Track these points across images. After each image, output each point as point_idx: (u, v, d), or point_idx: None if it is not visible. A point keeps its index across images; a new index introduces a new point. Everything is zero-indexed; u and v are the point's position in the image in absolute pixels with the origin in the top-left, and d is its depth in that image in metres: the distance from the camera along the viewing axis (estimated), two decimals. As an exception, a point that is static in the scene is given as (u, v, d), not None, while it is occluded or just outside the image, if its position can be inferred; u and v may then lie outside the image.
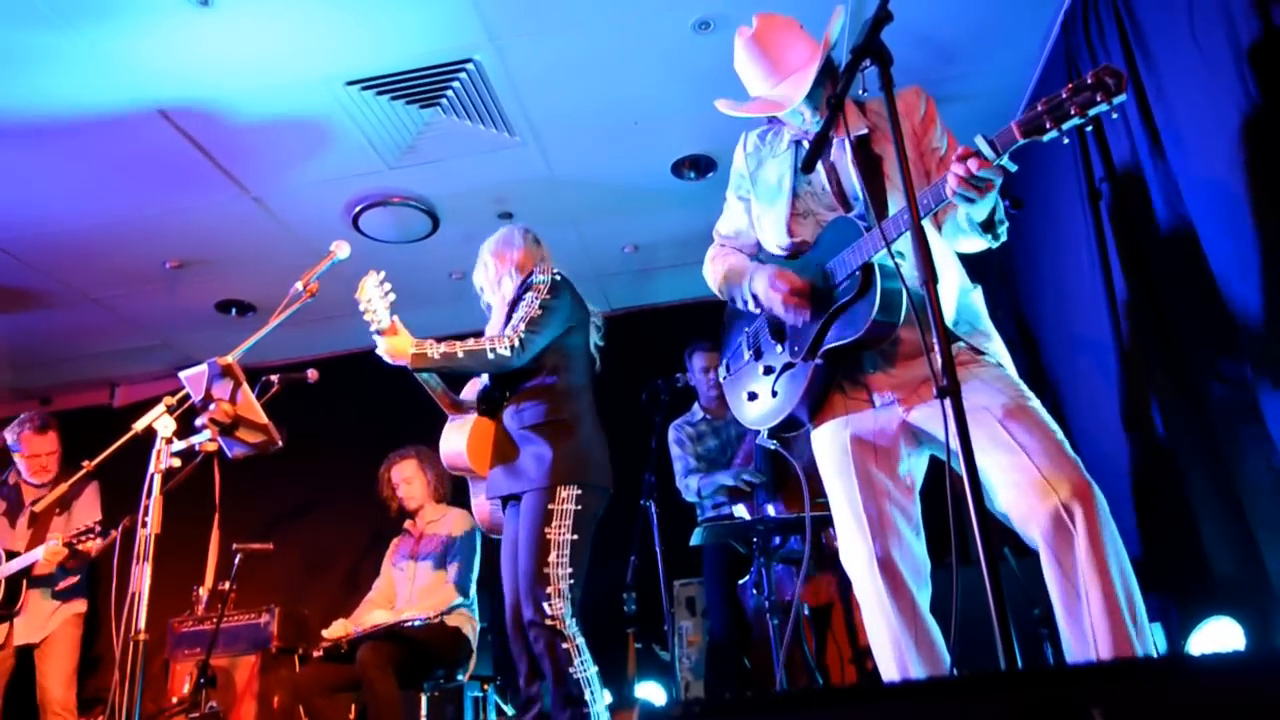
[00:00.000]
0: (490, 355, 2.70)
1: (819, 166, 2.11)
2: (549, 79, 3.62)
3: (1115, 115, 1.58)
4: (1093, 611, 1.70)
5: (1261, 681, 0.86)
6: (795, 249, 2.19)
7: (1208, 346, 2.69)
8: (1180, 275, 2.79)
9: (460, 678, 3.80)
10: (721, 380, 2.44)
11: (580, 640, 2.64)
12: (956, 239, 2.06)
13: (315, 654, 3.78)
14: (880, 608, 1.98)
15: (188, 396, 2.55)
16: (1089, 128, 1.61)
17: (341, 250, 2.80)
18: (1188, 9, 2.58)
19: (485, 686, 4.07)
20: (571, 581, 2.65)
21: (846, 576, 2.09)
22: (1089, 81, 1.55)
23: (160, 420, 2.44)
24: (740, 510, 3.75)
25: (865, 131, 2.09)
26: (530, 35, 3.38)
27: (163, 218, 4.31)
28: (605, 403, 2.97)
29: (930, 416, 1.98)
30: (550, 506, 2.66)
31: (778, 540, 3.50)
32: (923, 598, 1.99)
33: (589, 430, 2.84)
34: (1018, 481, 1.81)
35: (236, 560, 4.04)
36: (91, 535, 3.95)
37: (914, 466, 2.10)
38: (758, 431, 2.31)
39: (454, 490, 4.10)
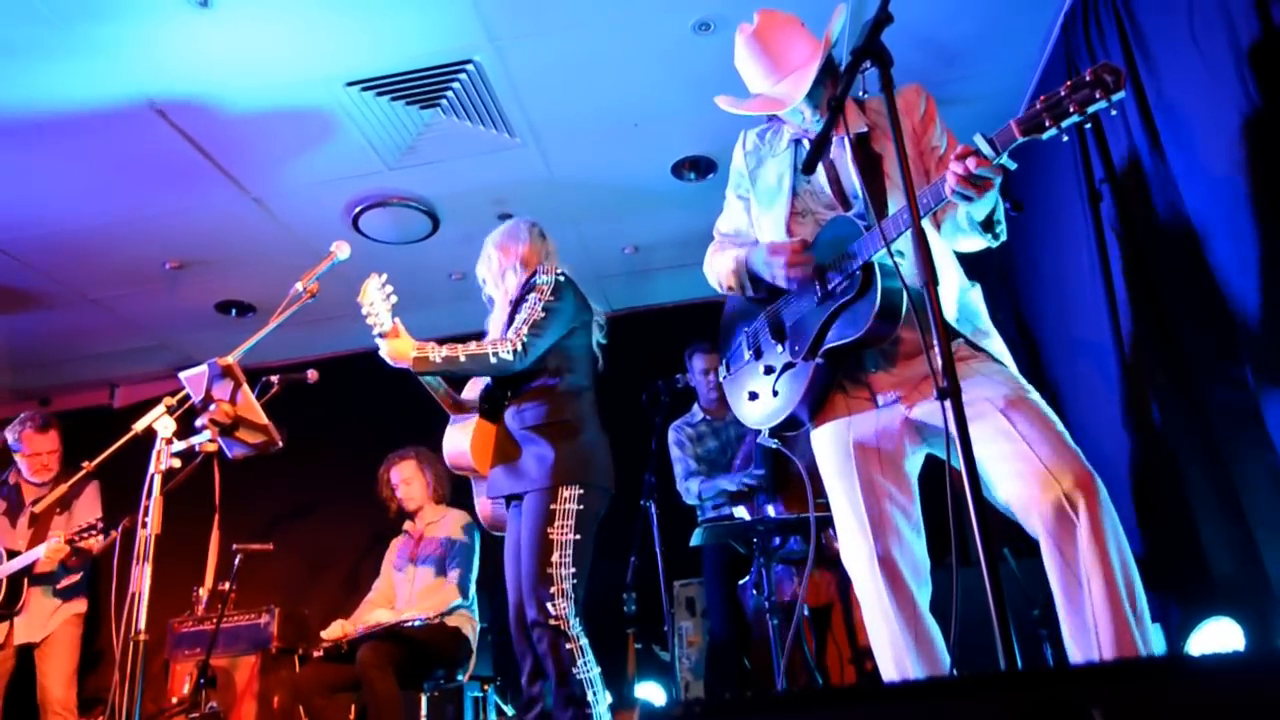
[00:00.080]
0: (493, 359, 2.69)
1: (819, 165, 2.10)
2: (549, 80, 3.62)
3: (1114, 113, 1.59)
4: (1094, 599, 1.70)
5: (1261, 681, 0.86)
6: (795, 248, 2.19)
7: (1208, 347, 2.69)
8: (1180, 275, 2.79)
9: (460, 678, 3.81)
10: (721, 380, 2.44)
11: (584, 641, 2.64)
12: (956, 238, 2.06)
13: (315, 654, 3.78)
14: (880, 607, 1.98)
15: (188, 397, 2.55)
16: (1088, 126, 1.61)
17: (341, 251, 2.80)
18: (1188, 10, 2.58)
19: (485, 687, 4.07)
20: (575, 581, 2.64)
21: (846, 577, 2.09)
22: (1088, 79, 1.56)
23: (160, 421, 2.44)
24: (740, 511, 3.76)
25: (865, 130, 2.09)
26: (530, 36, 3.38)
27: (163, 218, 4.31)
28: (605, 403, 2.97)
29: (933, 411, 1.98)
30: (552, 507, 2.66)
31: (778, 540, 3.50)
32: (923, 597, 2.00)
33: (591, 431, 2.83)
34: (1020, 471, 1.82)
35: (236, 560, 4.04)
36: (94, 532, 3.95)
37: (915, 465, 2.10)
38: (758, 432, 2.31)
39: (454, 490, 4.10)
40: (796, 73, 2.05)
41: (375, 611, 3.85)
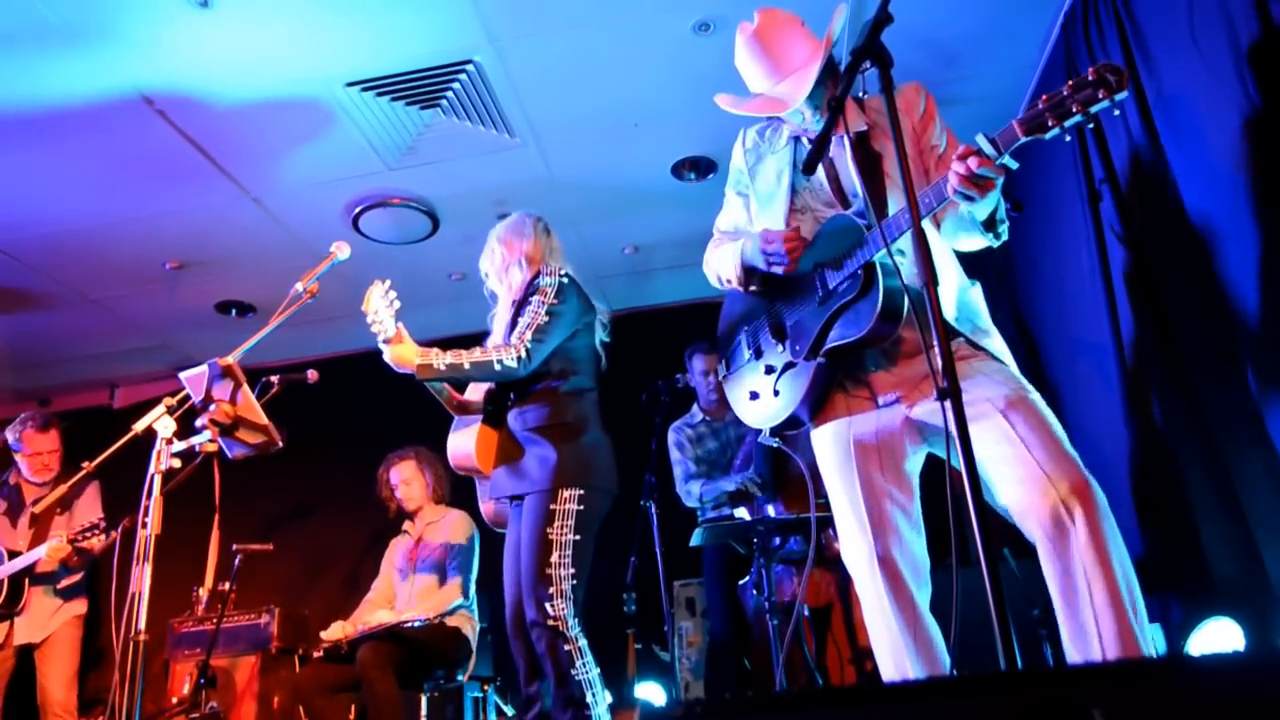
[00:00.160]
0: (497, 367, 2.68)
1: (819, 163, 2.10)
2: (549, 80, 3.62)
3: (1117, 112, 1.58)
4: (1096, 605, 1.70)
5: (1261, 681, 0.86)
6: (795, 247, 2.19)
7: (1208, 347, 2.69)
8: (1180, 275, 2.79)
9: (460, 678, 3.81)
10: (721, 379, 2.44)
11: (583, 642, 2.63)
12: (957, 237, 2.06)
13: (315, 654, 3.78)
14: (880, 607, 1.98)
15: (188, 397, 2.55)
16: (1089, 126, 1.61)
17: (342, 251, 2.80)
18: (1187, 11, 2.58)
19: (485, 687, 4.07)
20: (574, 582, 2.63)
21: (846, 576, 2.09)
22: (1090, 79, 1.55)
23: (160, 421, 2.44)
24: (740, 511, 3.76)
25: (864, 128, 2.09)
26: (530, 36, 3.38)
27: (163, 218, 4.32)
28: (605, 404, 2.97)
29: (934, 410, 1.98)
30: (552, 507, 2.65)
31: (777, 541, 3.50)
32: (923, 597, 2.00)
33: (594, 432, 2.82)
34: (1019, 476, 1.82)
35: (236, 561, 4.04)
36: (95, 532, 3.95)
37: (915, 465, 2.10)
38: (758, 432, 2.31)
39: (454, 490, 4.10)
40: (797, 73, 2.05)
41: (375, 612, 3.85)
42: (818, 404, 2.13)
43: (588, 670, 2.61)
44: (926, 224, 1.91)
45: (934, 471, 2.13)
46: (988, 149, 1.69)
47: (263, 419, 2.55)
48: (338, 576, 5.39)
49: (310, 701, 3.48)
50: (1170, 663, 1.26)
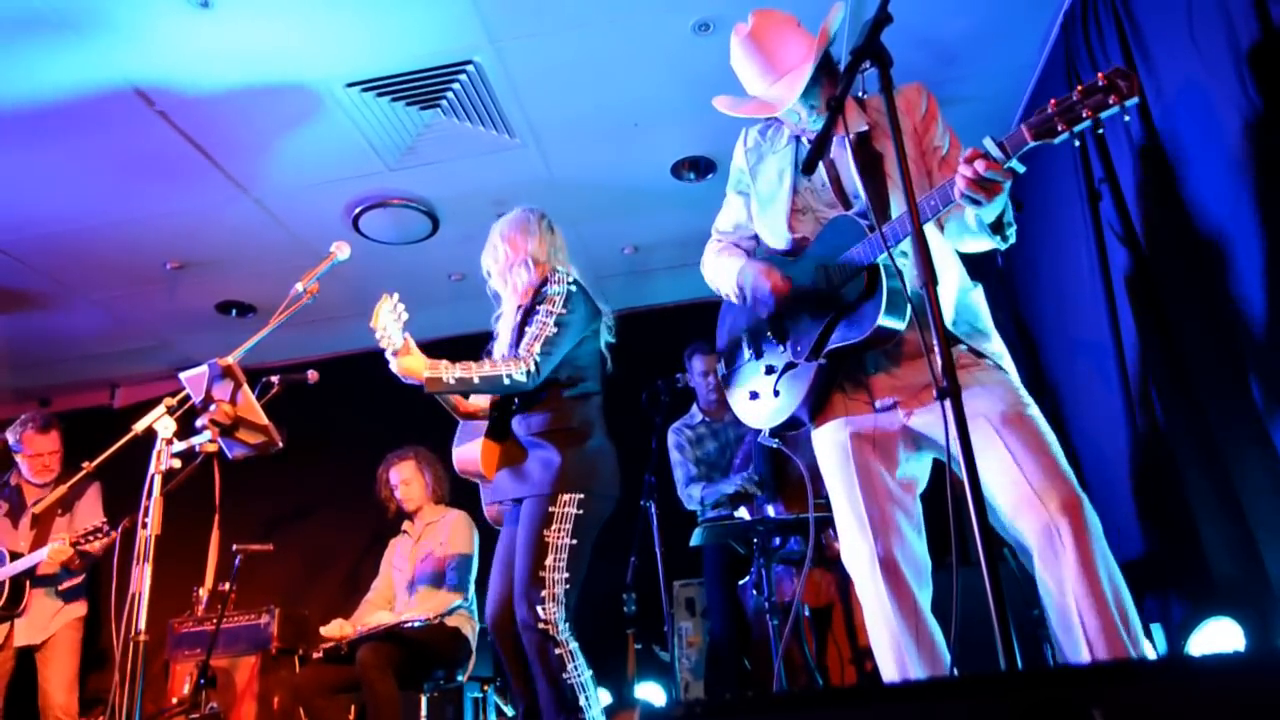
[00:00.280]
0: (506, 381, 2.66)
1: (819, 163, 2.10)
2: (549, 81, 3.62)
3: (1127, 119, 1.57)
4: (1088, 629, 1.70)
5: (1261, 681, 0.86)
6: (796, 246, 2.19)
7: (1208, 346, 2.69)
8: (1180, 275, 2.79)
9: (460, 678, 3.81)
10: (721, 379, 2.44)
11: (574, 645, 2.60)
12: (963, 239, 2.05)
13: (315, 655, 3.78)
14: (881, 607, 1.98)
15: (188, 397, 2.55)
16: (1100, 131, 1.60)
17: (342, 251, 2.80)
18: (1187, 11, 2.58)
19: (485, 687, 4.07)
20: (567, 587, 2.61)
21: (846, 577, 2.09)
22: (1101, 84, 1.54)
23: (160, 421, 2.44)
24: (740, 511, 3.76)
25: (865, 129, 2.08)
26: (530, 37, 3.38)
27: (163, 218, 4.32)
28: (606, 404, 2.96)
29: (931, 422, 1.98)
30: (551, 510, 2.64)
31: (777, 541, 3.50)
32: (924, 598, 1.99)
33: (598, 437, 2.80)
34: (1012, 494, 1.82)
35: (237, 561, 4.04)
36: (98, 535, 3.95)
37: (915, 469, 2.09)
38: (757, 432, 2.31)
39: (453, 490, 4.10)
40: (791, 74, 2.05)
41: (375, 613, 3.85)
42: (818, 405, 2.13)
43: (580, 673, 2.59)
44: (929, 225, 1.91)
45: (934, 472, 2.13)
46: (995, 152, 1.69)
47: (263, 419, 2.55)
48: (338, 576, 5.39)
49: (310, 702, 3.48)
50: (1170, 663, 1.27)
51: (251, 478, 3.94)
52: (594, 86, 3.68)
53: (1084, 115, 1.57)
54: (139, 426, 2.46)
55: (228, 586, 4.07)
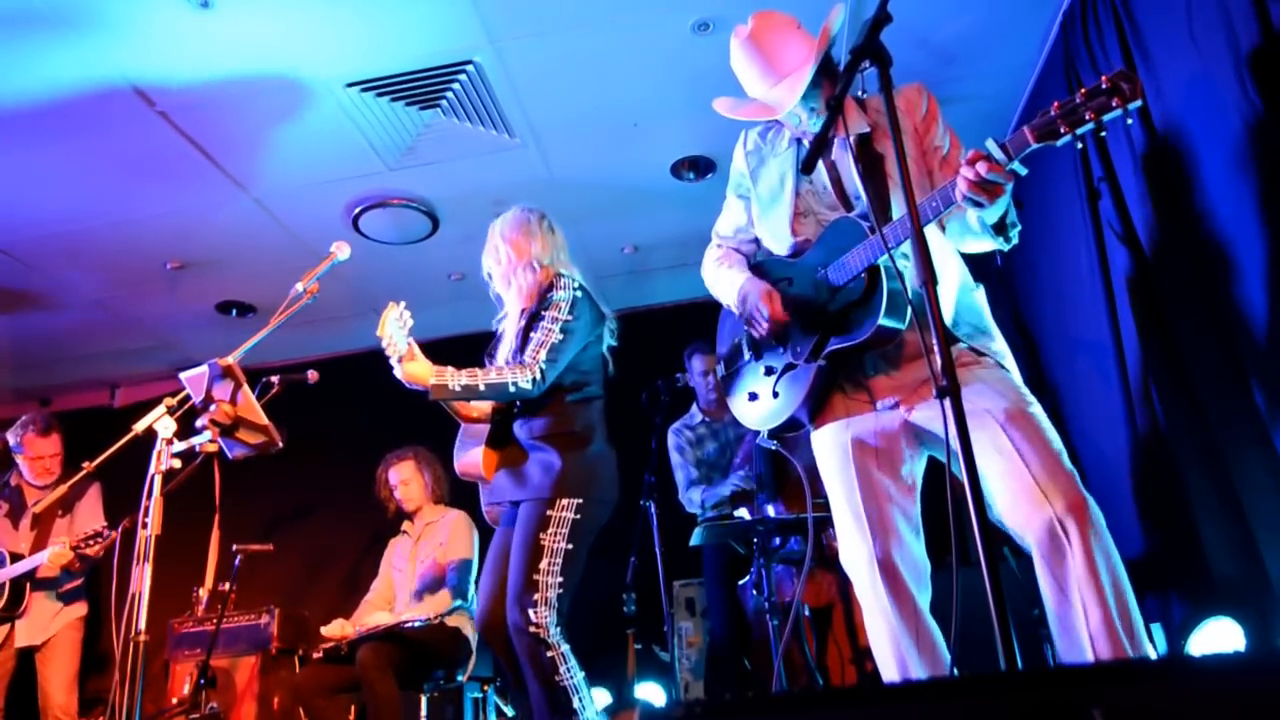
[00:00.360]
0: (511, 389, 2.65)
1: (820, 165, 2.10)
2: (549, 80, 3.62)
3: (1130, 121, 1.57)
4: (1091, 627, 1.70)
5: (1261, 681, 0.86)
6: (798, 249, 2.19)
7: (1208, 346, 2.69)
8: (1180, 275, 2.79)
9: (460, 678, 3.81)
10: (720, 379, 2.44)
11: (565, 648, 2.59)
12: (965, 240, 2.05)
13: (315, 655, 3.78)
14: (880, 609, 1.98)
15: (188, 397, 2.55)
16: (1103, 133, 1.59)
17: (342, 251, 2.79)
18: (1186, 11, 2.58)
19: (485, 687, 4.06)
20: (560, 591, 2.59)
21: (847, 577, 2.09)
22: (1104, 86, 1.54)
23: (161, 421, 2.44)
24: (740, 511, 3.76)
25: (866, 130, 2.08)
26: (530, 37, 3.38)
27: (163, 218, 4.32)
28: (606, 404, 2.96)
29: (932, 417, 1.98)
30: (549, 513, 2.64)
31: (778, 541, 3.50)
32: (923, 599, 1.99)
33: (599, 442, 2.80)
34: (1014, 490, 1.81)
35: (237, 561, 4.04)
36: (99, 540, 3.94)
37: (914, 468, 2.09)
38: (758, 432, 2.31)
39: (453, 490, 4.10)
40: (791, 76, 2.04)
41: (374, 613, 3.85)
42: (817, 406, 2.13)
43: (572, 675, 2.58)
44: (931, 225, 1.91)
45: (934, 473, 2.13)
46: (997, 154, 1.68)
47: (263, 419, 2.55)
48: (338, 576, 5.39)
49: (310, 702, 3.48)
50: (1170, 663, 1.27)
51: (251, 478, 3.95)
52: (594, 86, 3.68)
53: (1086, 117, 1.56)
54: (139, 426, 2.46)
55: (228, 586, 4.07)
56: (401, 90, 3.61)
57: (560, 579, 2.60)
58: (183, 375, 2.57)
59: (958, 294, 2.04)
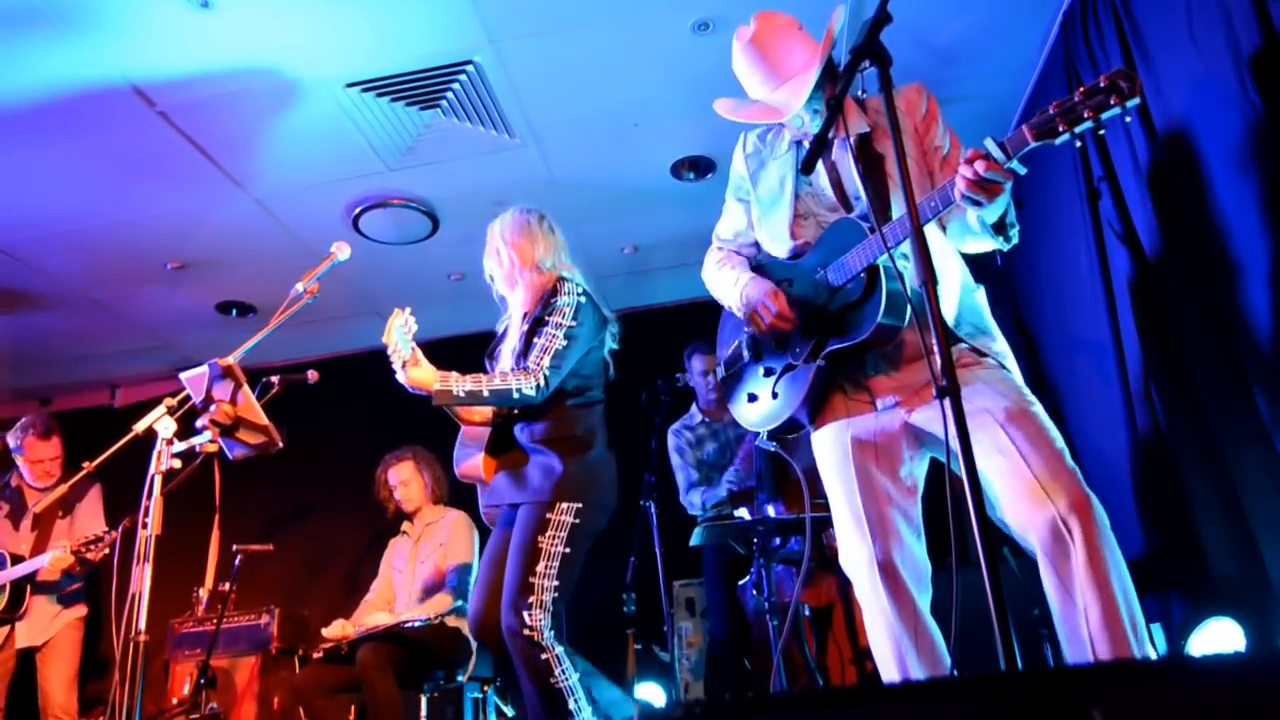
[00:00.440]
0: (515, 395, 2.65)
1: (820, 166, 2.10)
2: (549, 81, 3.62)
3: (1129, 119, 1.57)
4: (1092, 625, 1.69)
5: (1261, 682, 0.86)
6: (798, 251, 2.18)
7: (1208, 346, 2.69)
8: (1180, 274, 2.79)
9: (460, 678, 3.81)
10: (720, 380, 2.44)
11: (559, 650, 2.58)
12: (965, 239, 2.05)
13: (315, 655, 3.78)
14: (880, 609, 1.97)
15: (188, 397, 2.55)
16: (1102, 132, 1.60)
17: (342, 252, 2.79)
18: (1186, 11, 2.58)
19: (485, 687, 4.06)
20: (555, 595, 2.59)
21: (847, 577, 2.09)
22: (1103, 85, 1.54)
23: (161, 421, 2.44)
24: (741, 511, 3.76)
25: (866, 130, 2.08)
26: (530, 37, 3.38)
27: (163, 218, 4.32)
28: (607, 405, 2.96)
29: (932, 418, 1.98)
30: (548, 517, 2.64)
31: (777, 541, 3.50)
32: (923, 600, 1.99)
33: (599, 447, 2.80)
34: (1016, 489, 1.81)
35: (237, 561, 4.04)
36: (100, 544, 3.94)
37: (915, 469, 2.09)
38: (757, 433, 2.31)
39: (452, 490, 4.10)
40: (795, 79, 2.04)
41: (374, 613, 3.85)
42: (817, 406, 2.13)
43: (567, 677, 2.58)
44: (931, 225, 1.91)
45: (934, 473, 2.13)
46: (996, 153, 1.68)
47: (263, 419, 2.55)
48: (338, 576, 5.39)
49: (310, 702, 3.48)
50: (1170, 663, 1.26)
51: (251, 478, 3.94)
52: (594, 86, 3.68)
53: (1085, 116, 1.56)
54: (139, 427, 2.46)
55: (228, 587, 4.07)
56: (401, 90, 3.61)
57: (556, 583, 2.59)
58: (183, 375, 2.57)
59: (959, 294, 2.04)
